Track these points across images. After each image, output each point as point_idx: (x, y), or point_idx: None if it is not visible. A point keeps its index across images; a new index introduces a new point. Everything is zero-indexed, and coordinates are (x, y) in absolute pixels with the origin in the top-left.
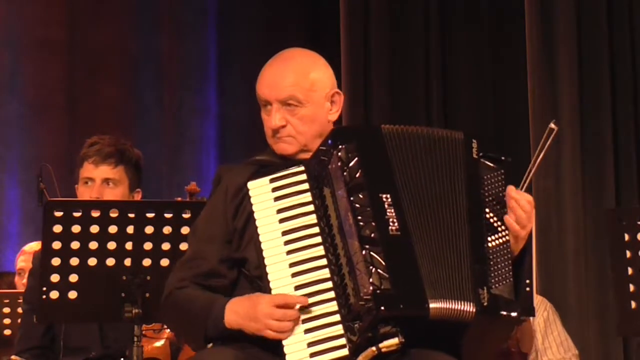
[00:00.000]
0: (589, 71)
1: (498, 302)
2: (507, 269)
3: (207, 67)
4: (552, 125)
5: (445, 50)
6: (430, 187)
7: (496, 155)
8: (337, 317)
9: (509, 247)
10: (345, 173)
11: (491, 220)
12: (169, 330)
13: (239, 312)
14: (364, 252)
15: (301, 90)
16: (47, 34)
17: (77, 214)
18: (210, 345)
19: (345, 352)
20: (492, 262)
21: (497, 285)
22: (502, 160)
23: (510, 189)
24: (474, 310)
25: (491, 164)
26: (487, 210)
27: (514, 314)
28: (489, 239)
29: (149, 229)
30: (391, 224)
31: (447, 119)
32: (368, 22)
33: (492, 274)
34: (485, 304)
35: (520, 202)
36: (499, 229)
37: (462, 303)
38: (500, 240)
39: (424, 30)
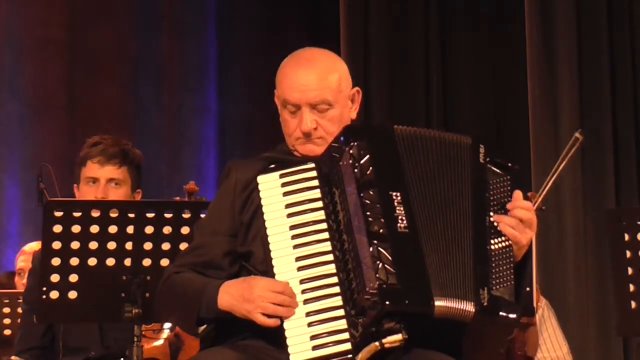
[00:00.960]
0: (589, 71)
1: (498, 303)
2: (508, 271)
3: (207, 67)
4: (577, 134)
5: (445, 50)
6: (438, 188)
7: (503, 161)
8: (341, 312)
9: (511, 251)
10: (356, 170)
11: (495, 224)
12: (166, 325)
13: (232, 293)
14: (371, 247)
15: (331, 92)
16: (47, 34)
17: (77, 214)
18: (203, 327)
19: (348, 346)
20: (494, 264)
21: (498, 287)
22: (509, 167)
23: (516, 195)
24: (474, 310)
25: (498, 170)
26: (491, 214)
27: (513, 316)
28: (492, 241)
29: (149, 229)
30: (400, 221)
31: (447, 119)
32: (368, 22)
33: (494, 276)
34: (485, 304)
35: (516, 212)
36: (502, 232)
37: (463, 302)
38: (503, 244)
39: (424, 30)
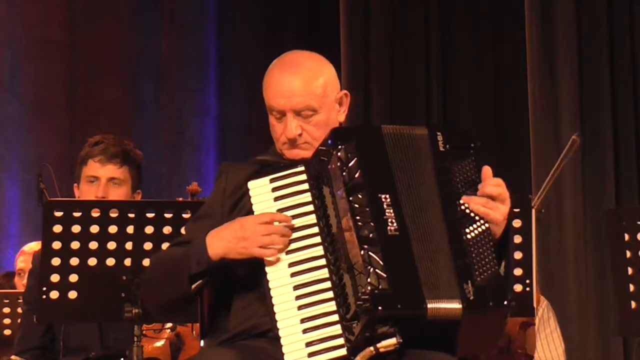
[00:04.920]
0: (589, 71)
1: (485, 294)
2: (490, 257)
3: (207, 67)
4: (574, 137)
5: (445, 50)
6: (420, 185)
7: (465, 143)
8: (335, 317)
9: (489, 235)
10: (344, 173)
11: (467, 210)
12: (167, 324)
13: (225, 236)
14: (362, 252)
15: (315, 98)
16: (47, 34)
17: (77, 214)
18: (197, 283)
19: (343, 352)
20: (474, 254)
21: (482, 276)
22: (471, 147)
23: (485, 173)
24: (461, 306)
25: (460, 154)
26: (461, 201)
27: (503, 304)
28: (468, 230)
29: (149, 229)
30: (390, 224)
31: (447, 119)
32: (368, 22)
33: (476, 266)
34: (472, 298)
35: (485, 189)
36: (476, 217)
37: (450, 301)
38: (480, 230)
39: (424, 30)
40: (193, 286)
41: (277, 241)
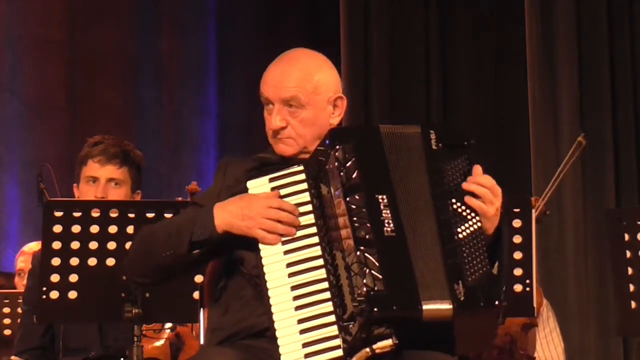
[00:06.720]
0: (589, 71)
1: (476, 294)
2: (482, 257)
3: (207, 67)
4: (580, 139)
5: (445, 51)
6: (415, 185)
7: (458, 141)
8: (332, 318)
9: (481, 234)
10: (342, 173)
11: (459, 210)
12: (167, 324)
13: (231, 210)
14: (358, 253)
15: (304, 92)
16: (47, 34)
17: (77, 214)
18: (197, 251)
19: (339, 352)
20: (465, 254)
21: (473, 276)
22: (464, 146)
23: (476, 170)
24: (452, 307)
25: (453, 152)
26: (453, 200)
27: (494, 304)
28: (459, 229)
29: None
30: (386, 225)
31: (447, 119)
32: (368, 22)
33: (467, 266)
34: (462, 298)
35: (479, 180)
36: (469, 217)
37: (441, 302)
38: (471, 229)
39: (424, 30)
40: (194, 252)
41: (279, 228)
